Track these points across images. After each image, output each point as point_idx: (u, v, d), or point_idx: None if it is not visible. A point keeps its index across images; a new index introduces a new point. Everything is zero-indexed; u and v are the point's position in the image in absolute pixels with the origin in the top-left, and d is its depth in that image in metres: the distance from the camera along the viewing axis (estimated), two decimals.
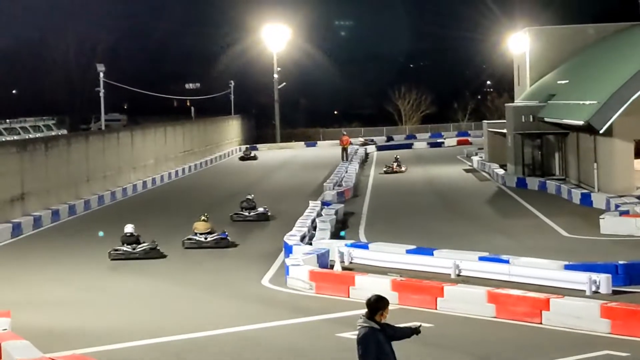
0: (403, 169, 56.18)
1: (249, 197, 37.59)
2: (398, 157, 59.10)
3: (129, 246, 28.74)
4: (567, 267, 22.58)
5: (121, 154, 50.90)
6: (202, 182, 55.42)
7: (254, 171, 61.51)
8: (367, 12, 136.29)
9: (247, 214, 36.53)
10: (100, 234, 32.36)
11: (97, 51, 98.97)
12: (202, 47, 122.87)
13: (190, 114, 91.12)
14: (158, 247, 28.97)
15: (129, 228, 29.46)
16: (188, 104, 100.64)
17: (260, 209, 36.81)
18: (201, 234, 30.41)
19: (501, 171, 49.58)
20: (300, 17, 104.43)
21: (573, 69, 50.77)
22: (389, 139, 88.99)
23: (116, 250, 28.73)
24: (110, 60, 79.22)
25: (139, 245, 28.78)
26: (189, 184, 54.90)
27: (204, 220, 30.96)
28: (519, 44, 57.96)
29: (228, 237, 30.57)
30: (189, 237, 30.48)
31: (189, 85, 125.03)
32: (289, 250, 26.49)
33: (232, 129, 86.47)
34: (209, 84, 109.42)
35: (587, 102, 39.17)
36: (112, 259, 28.44)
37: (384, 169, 56.29)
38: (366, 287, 21.79)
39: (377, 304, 11.15)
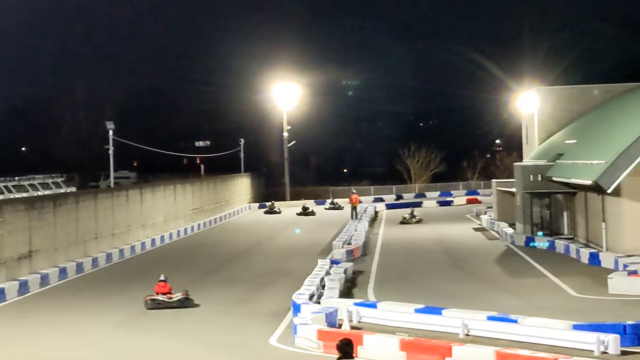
0: (415, 218, 62.12)
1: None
2: (413, 209, 65.04)
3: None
4: (575, 327, 22.49)
5: (130, 212, 51.02)
6: (211, 240, 55.44)
7: (264, 229, 61.52)
8: (376, 72, 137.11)
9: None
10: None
11: (107, 109, 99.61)
12: (213, 105, 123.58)
13: (200, 171, 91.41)
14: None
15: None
16: (198, 161, 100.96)
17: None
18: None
19: (510, 230, 49.53)
20: (310, 76, 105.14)
21: (581, 129, 50.94)
22: (399, 197, 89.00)
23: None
24: (120, 118, 79.74)
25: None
26: (198, 241, 54.92)
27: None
28: (528, 103, 58.19)
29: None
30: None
31: (199, 143, 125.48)
32: (297, 309, 26.44)
33: (242, 186, 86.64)
34: (219, 141, 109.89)
35: (595, 162, 39.24)
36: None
37: (400, 220, 62.56)
38: (374, 346, 21.76)
39: (349, 346, 12.87)
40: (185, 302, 30.10)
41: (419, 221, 61.66)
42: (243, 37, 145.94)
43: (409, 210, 65.50)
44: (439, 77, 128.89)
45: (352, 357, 12.91)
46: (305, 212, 72.79)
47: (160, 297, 30.16)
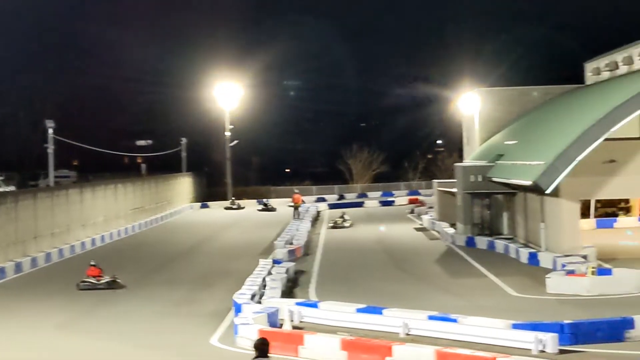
0: (347, 224, 58.74)
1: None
2: (345, 212, 62.12)
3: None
4: (514, 327, 22.75)
5: (70, 211, 50.53)
6: (152, 239, 55.16)
7: (205, 228, 61.34)
8: (318, 72, 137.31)
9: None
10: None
11: (47, 107, 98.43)
12: (155, 104, 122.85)
13: (141, 170, 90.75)
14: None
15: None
16: (139, 160, 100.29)
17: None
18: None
19: (451, 230, 49.92)
20: (252, 76, 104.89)
21: (521, 130, 51.49)
22: (341, 197, 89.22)
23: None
24: (60, 117, 78.86)
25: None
26: (139, 241, 54.60)
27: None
28: (469, 104, 58.71)
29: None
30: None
31: (141, 142, 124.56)
32: (238, 309, 26.41)
33: (184, 186, 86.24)
34: (161, 141, 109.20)
35: (534, 163, 39.68)
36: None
37: (330, 224, 59.47)
38: (316, 346, 21.83)
39: (265, 346, 13.81)
40: (113, 285, 34.10)
41: (350, 225, 59.06)
42: (185, 36, 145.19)
43: (339, 213, 63.34)
44: (380, 78, 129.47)
45: (267, 356, 13.73)
46: (266, 208, 75.95)
47: (90, 280, 34.28)
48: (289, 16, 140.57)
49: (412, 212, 69.34)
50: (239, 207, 79.37)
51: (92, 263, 35.23)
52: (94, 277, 34.47)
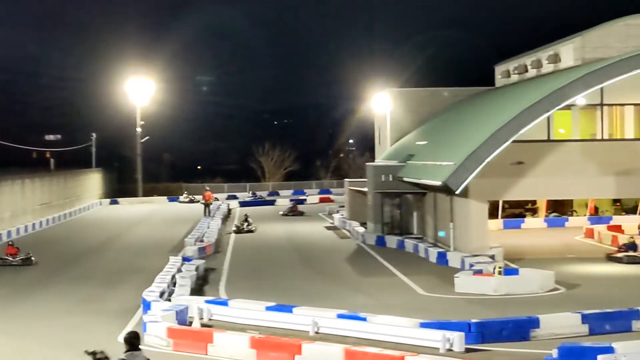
0: (252, 228, 54.44)
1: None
2: (248, 215, 57.28)
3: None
4: (422, 325, 22.97)
5: None
6: (61, 235, 54.39)
7: (115, 225, 60.72)
8: (230, 68, 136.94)
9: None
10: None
11: None
12: (65, 99, 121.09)
13: (49, 165, 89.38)
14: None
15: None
16: (48, 155, 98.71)
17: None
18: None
19: (361, 229, 50.22)
20: (165, 72, 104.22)
21: (431, 130, 52.06)
22: (253, 194, 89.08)
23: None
24: None
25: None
26: (47, 237, 53.77)
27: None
28: (381, 104, 59.17)
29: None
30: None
31: (49, 137, 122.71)
32: (147, 306, 26.19)
33: (93, 182, 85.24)
34: (71, 136, 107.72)
35: (444, 163, 40.13)
36: None
37: (234, 229, 54.75)
38: (225, 344, 21.77)
39: (136, 339, 14.22)
40: (27, 261, 39.15)
41: (254, 229, 54.43)
42: (96, 30, 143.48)
43: (243, 216, 58.32)
44: (294, 76, 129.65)
45: (139, 349, 14.12)
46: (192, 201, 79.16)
47: (8, 257, 39.15)
48: (204, 9, 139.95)
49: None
50: (192, 201, 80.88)
51: (10, 242, 41.38)
52: (11, 255, 39.53)
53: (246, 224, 54.82)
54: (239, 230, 53.93)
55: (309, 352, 20.72)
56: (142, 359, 13.98)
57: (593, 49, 42.91)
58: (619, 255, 38.46)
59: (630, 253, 38.21)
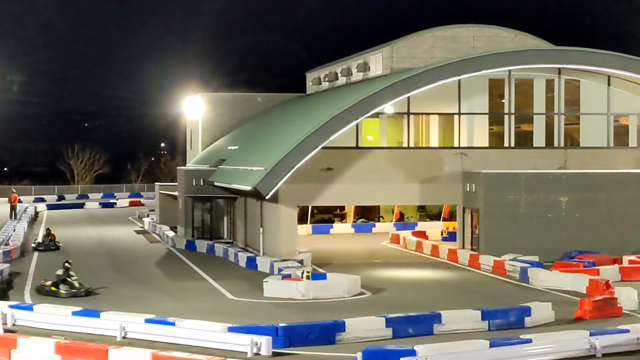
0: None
1: None
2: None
3: None
4: (230, 330, 23.13)
5: None
6: None
7: None
8: (43, 68, 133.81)
9: None
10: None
11: None
12: None
13: None
14: None
15: None
16: None
17: None
18: None
19: (171, 233, 50.04)
20: None
21: (243, 135, 52.42)
22: (61, 197, 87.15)
23: None
24: None
25: None
26: None
27: None
28: (193, 108, 59.13)
29: None
30: None
31: None
32: None
33: None
34: None
35: (255, 168, 40.45)
36: None
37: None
38: (29, 350, 21.39)
39: None
40: None
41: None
42: None
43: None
44: (106, 78, 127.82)
45: None
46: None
47: None
48: (13, 5, 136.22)
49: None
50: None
51: None
52: None
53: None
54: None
55: (116, 357, 20.62)
56: None
57: (401, 59, 44.27)
58: None
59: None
